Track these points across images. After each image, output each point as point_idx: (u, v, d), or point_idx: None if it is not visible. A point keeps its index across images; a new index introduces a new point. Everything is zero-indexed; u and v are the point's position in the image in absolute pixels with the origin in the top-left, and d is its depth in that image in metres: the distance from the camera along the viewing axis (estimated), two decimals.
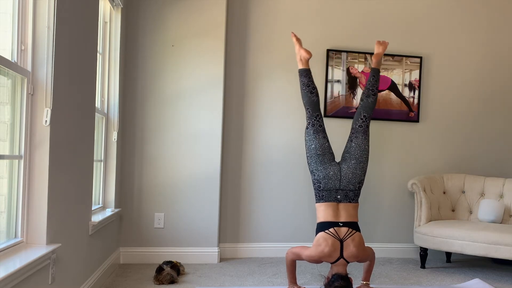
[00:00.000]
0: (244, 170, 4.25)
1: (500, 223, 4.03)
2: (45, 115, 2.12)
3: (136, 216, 3.94)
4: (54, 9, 2.15)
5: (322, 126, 3.09)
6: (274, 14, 4.29)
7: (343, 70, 4.36)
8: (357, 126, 3.12)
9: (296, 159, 4.28)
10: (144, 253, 3.92)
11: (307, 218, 4.31)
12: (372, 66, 3.28)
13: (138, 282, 3.32)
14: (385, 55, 4.38)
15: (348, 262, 2.86)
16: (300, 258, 2.95)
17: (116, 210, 3.61)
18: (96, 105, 3.06)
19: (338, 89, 4.35)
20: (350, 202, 2.97)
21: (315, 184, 3.02)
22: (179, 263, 3.55)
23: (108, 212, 3.44)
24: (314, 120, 3.08)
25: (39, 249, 2.05)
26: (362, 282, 3.15)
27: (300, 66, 3.18)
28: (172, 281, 3.29)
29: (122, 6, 3.70)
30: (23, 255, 1.94)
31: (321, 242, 2.84)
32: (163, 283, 3.26)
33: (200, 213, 3.98)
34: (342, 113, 4.35)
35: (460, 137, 4.57)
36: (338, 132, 4.29)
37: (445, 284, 3.54)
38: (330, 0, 4.38)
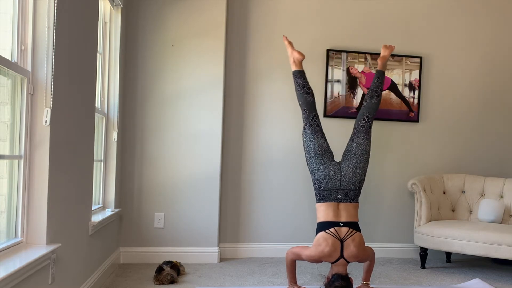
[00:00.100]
0: (244, 170, 4.25)
1: (500, 223, 4.03)
2: (45, 115, 2.12)
3: (136, 216, 3.94)
4: (54, 9, 2.15)
5: (319, 126, 3.11)
6: (274, 14, 4.29)
7: (343, 70, 4.36)
8: (359, 126, 3.13)
9: (296, 159, 4.27)
10: (144, 253, 3.92)
11: (307, 218, 4.31)
12: (378, 68, 3.34)
13: (138, 282, 3.32)
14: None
15: (348, 262, 2.86)
16: (300, 258, 2.95)
17: (116, 210, 3.61)
18: (96, 105, 3.06)
19: (338, 89, 4.35)
20: (350, 202, 2.97)
21: (315, 184, 3.02)
22: (179, 263, 3.55)
23: (108, 212, 3.44)
24: (312, 120, 3.10)
25: (39, 249, 2.05)
26: (362, 282, 3.15)
27: (294, 68, 3.22)
28: (172, 281, 3.29)
29: (122, 6, 3.70)
30: (23, 255, 1.94)
31: (321, 242, 2.84)
32: (163, 283, 3.26)
33: (200, 213, 3.98)
34: (342, 113, 4.35)
35: (460, 137, 4.57)
36: (338, 132, 4.29)
37: (445, 284, 3.54)
38: (330, 0, 4.38)
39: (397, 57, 4.42)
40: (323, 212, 2.94)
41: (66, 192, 2.42)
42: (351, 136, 3.14)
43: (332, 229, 2.86)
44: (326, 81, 4.33)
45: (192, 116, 3.99)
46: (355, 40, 4.40)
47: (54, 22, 2.15)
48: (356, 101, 4.37)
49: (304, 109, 3.12)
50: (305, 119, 3.12)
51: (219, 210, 4.04)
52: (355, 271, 3.60)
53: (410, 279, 3.66)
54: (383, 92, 4.40)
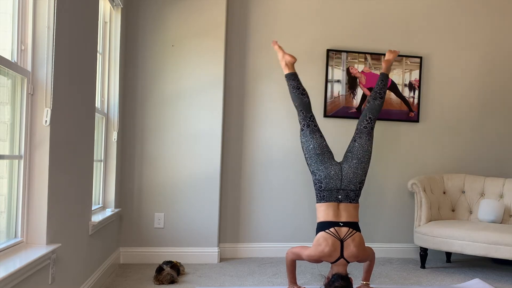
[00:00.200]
0: (244, 170, 4.25)
1: (500, 223, 4.03)
2: (45, 115, 2.12)
3: (136, 216, 3.94)
4: (54, 9, 2.15)
5: (316, 126, 3.13)
6: (274, 14, 4.29)
7: (343, 70, 4.36)
8: (362, 127, 3.15)
9: (296, 159, 4.27)
10: (144, 253, 3.92)
11: (307, 218, 4.31)
12: (382, 71, 3.39)
13: (138, 282, 3.32)
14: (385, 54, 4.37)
15: (348, 262, 2.86)
16: (300, 258, 2.95)
17: (116, 210, 3.61)
18: (96, 105, 3.06)
19: (338, 89, 4.35)
20: (350, 202, 2.98)
21: (316, 184, 3.03)
22: (179, 263, 3.55)
23: (108, 212, 3.44)
24: (309, 121, 3.11)
25: (39, 249, 2.05)
26: (362, 282, 3.16)
27: (287, 71, 3.25)
28: (172, 281, 3.29)
29: (122, 6, 3.70)
30: (23, 255, 1.94)
31: (321, 241, 2.84)
32: (163, 283, 3.26)
33: (200, 213, 3.98)
34: (342, 113, 4.35)
35: (460, 137, 4.57)
36: (338, 132, 4.29)
37: (445, 284, 3.54)
38: (330, 0, 4.38)
39: (397, 57, 4.42)
40: (323, 212, 2.95)
41: (66, 192, 2.42)
42: (353, 137, 3.15)
43: (332, 229, 2.86)
44: (326, 81, 4.33)
45: (192, 116, 3.99)
46: (355, 40, 4.40)
47: (54, 22, 2.15)
48: (356, 101, 4.37)
49: (301, 110, 3.14)
50: (302, 120, 3.13)
51: (219, 210, 4.04)
52: (355, 271, 3.60)
53: (410, 279, 3.66)
54: None
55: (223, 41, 4.01)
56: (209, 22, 3.99)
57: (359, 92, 4.37)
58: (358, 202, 3.01)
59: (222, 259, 4.09)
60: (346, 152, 3.13)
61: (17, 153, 2.09)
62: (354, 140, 3.14)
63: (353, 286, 2.85)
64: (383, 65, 3.42)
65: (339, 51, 4.34)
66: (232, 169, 4.23)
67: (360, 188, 3.03)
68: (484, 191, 4.24)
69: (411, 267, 4.04)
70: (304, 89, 3.18)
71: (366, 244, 3.02)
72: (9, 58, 2.04)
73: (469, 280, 3.64)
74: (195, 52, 3.98)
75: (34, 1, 2.13)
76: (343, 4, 4.40)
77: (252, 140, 4.26)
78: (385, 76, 3.34)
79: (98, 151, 3.46)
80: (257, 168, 4.26)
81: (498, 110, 4.63)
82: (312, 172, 3.05)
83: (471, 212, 4.22)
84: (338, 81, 4.35)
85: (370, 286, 3.18)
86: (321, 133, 3.13)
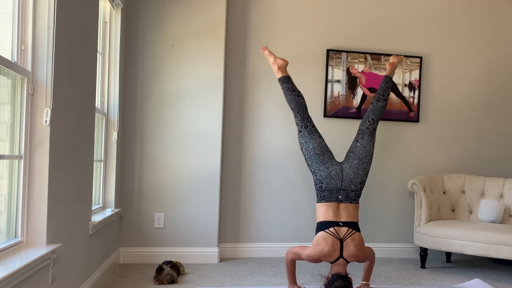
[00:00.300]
0: (244, 170, 4.25)
1: (500, 223, 4.03)
2: (45, 115, 2.12)
3: (136, 216, 3.94)
4: (54, 9, 2.15)
5: (314, 126, 3.16)
6: (274, 14, 4.29)
7: (343, 70, 4.36)
8: (364, 128, 3.16)
9: (296, 159, 4.27)
10: (144, 253, 3.92)
11: (307, 218, 4.31)
12: (386, 73, 3.40)
13: (138, 282, 3.32)
14: (386, 55, 4.38)
15: (348, 262, 2.86)
16: (300, 258, 2.96)
17: (116, 210, 3.61)
18: (96, 105, 3.07)
19: (338, 89, 4.35)
20: (351, 202, 2.98)
21: (317, 184, 3.03)
22: (179, 263, 3.55)
23: (108, 212, 3.44)
24: (307, 122, 3.14)
25: (39, 249, 2.05)
26: (362, 282, 3.16)
27: (280, 75, 3.27)
28: (172, 281, 3.29)
29: (122, 6, 3.70)
30: (23, 255, 1.94)
31: (320, 241, 2.84)
32: (163, 283, 3.26)
33: (200, 213, 3.98)
34: (342, 113, 4.35)
35: (460, 137, 4.57)
36: (338, 132, 4.30)
37: (445, 284, 3.54)
38: (330, 0, 4.38)
39: None
40: (323, 212, 2.95)
41: (66, 192, 2.42)
42: (356, 137, 3.16)
43: (331, 229, 2.86)
44: (326, 81, 4.33)
45: (192, 116, 3.99)
46: (355, 40, 4.40)
47: (54, 22, 2.15)
48: (356, 101, 4.37)
49: (298, 111, 3.15)
50: (299, 121, 3.14)
51: (219, 210, 4.04)
52: (355, 271, 3.60)
53: (410, 279, 3.66)
54: None
55: (223, 41, 4.01)
56: (209, 22, 3.99)
57: (359, 92, 4.37)
58: (358, 203, 3.02)
59: (222, 259, 4.09)
60: (348, 152, 3.14)
61: (17, 153, 2.09)
62: (356, 140, 3.15)
63: (353, 286, 2.85)
64: (388, 67, 3.42)
65: (339, 51, 4.34)
66: (232, 169, 4.23)
67: (361, 189, 3.03)
68: (484, 191, 4.24)
69: (411, 267, 4.04)
70: (299, 91, 3.21)
71: (366, 244, 3.02)
72: (9, 58, 2.04)
73: (469, 280, 3.64)
74: (195, 52, 3.98)
75: (34, 1, 2.13)
76: (343, 4, 4.40)
77: (252, 140, 4.26)
78: (389, 79, 3.35)
79: (98, 151, 3.46)
80: (257, 168, 4.26)
81: (498, 110, 4.63)
82: (313, 172, 3.06)
83: (471, 212, 4.22)
84: (338, 81, 4.35)
85: (370, 286, 3.18)
86: (319, 133, 3.15)
